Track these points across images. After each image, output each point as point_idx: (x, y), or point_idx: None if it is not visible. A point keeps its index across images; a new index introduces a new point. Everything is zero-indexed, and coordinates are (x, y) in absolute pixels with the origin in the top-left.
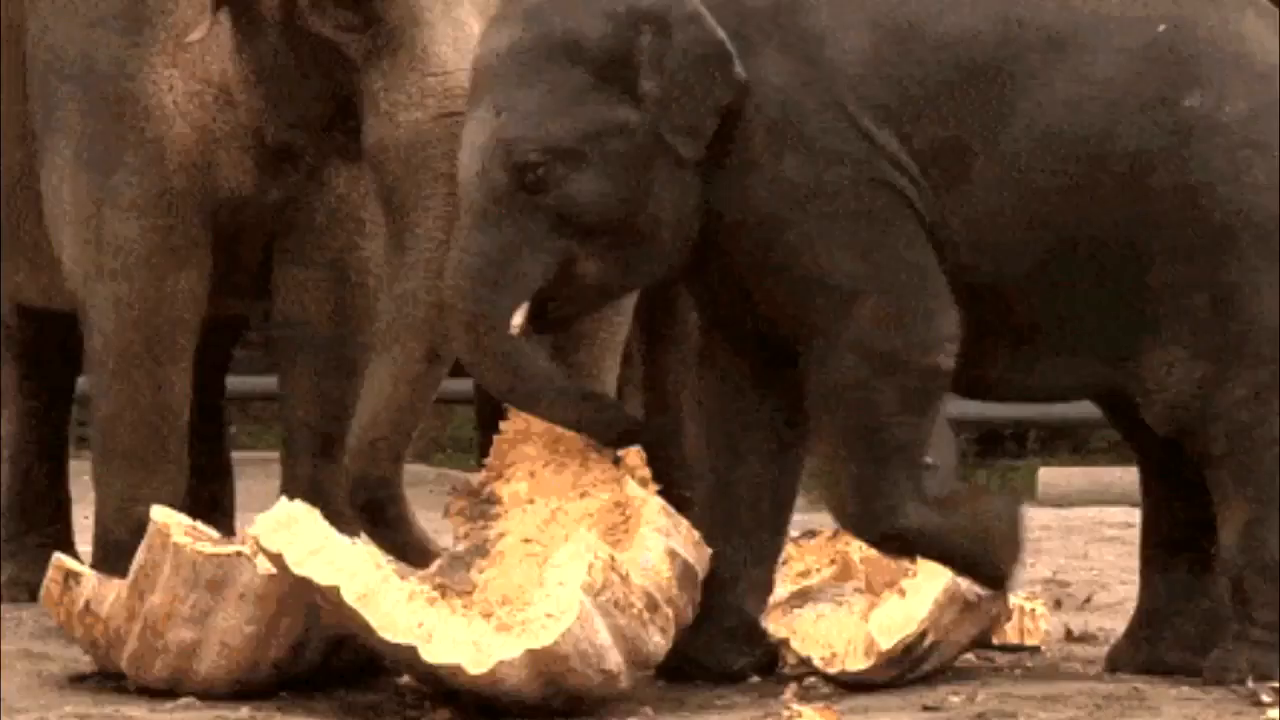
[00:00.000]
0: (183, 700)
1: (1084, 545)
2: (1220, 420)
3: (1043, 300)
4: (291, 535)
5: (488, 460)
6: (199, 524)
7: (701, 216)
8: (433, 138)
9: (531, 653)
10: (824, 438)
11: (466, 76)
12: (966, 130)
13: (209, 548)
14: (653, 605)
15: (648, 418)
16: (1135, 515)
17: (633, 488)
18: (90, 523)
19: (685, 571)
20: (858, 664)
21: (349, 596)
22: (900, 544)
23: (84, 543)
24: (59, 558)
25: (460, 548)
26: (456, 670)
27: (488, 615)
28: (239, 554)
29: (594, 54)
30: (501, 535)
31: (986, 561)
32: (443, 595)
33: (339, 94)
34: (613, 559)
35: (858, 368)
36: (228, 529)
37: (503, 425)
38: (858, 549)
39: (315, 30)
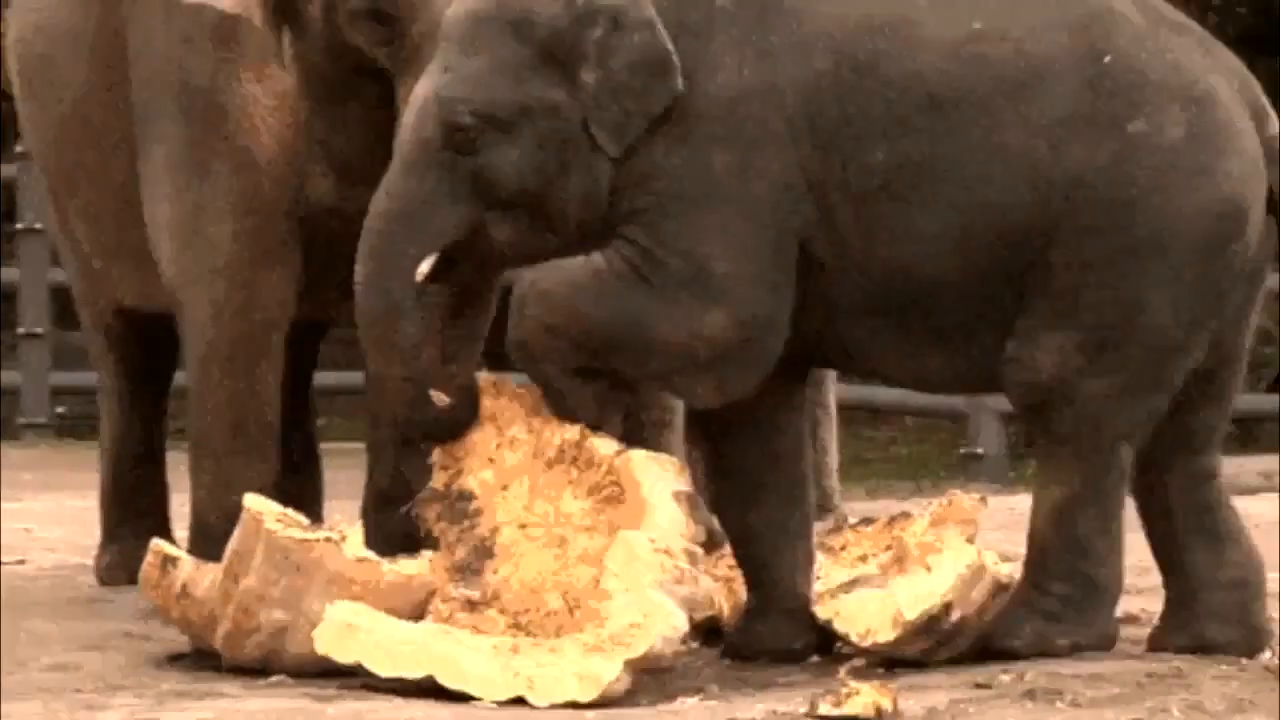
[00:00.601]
0: (274, 678)
1: (1128, 532)
2: (1075, 405)
3: (954, 304)
4: (358, 641)
5: (435, 460)
6: (289, 511)
7: (614, 192)
8: None
9: (629, 662)
10: None
11: None
12: (914, 157)
13: (299, 534)
14: (692, 557)
15: None
16: None
17: (602, 445)
18: (186, 511)
19: (692, 503)
20: (886, 636)
21: (447, 682)
22: None
23: (180, 529)
24: (157, 543)
25: (460, 554)
26: (572, 704)
27: (526, 611)
28: (327, 540)
29: (542, 35)
30: (495, 529)
31: None
32: (473, 609)
33: (384, 104)
34: (652, 541)
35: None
36: (316, 516)
37: None
38: (912, 535)
39: (353, 43)
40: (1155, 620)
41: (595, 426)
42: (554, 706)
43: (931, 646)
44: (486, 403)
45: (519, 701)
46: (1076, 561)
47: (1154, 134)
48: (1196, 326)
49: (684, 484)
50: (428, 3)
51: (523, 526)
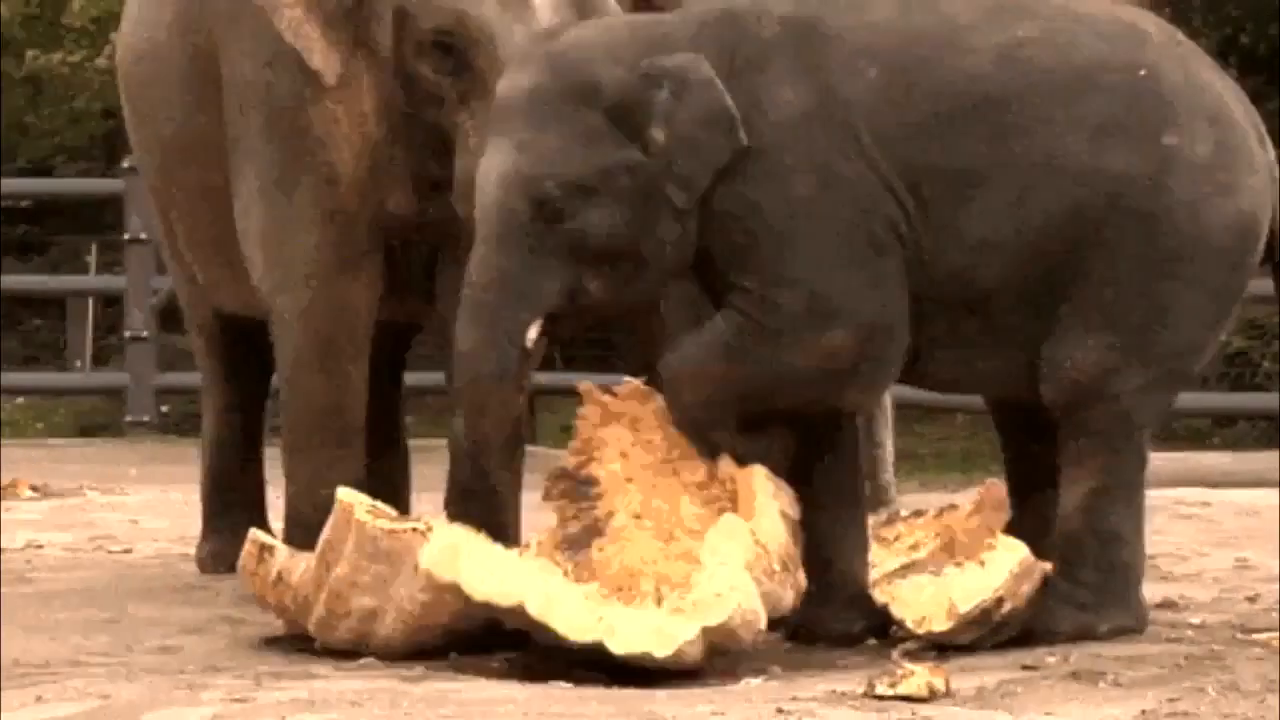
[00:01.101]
0: (364, 660)
1: (1165, 522)
2: (1108, 402)
3: (1002, 305)
4: (461, 562)
5: (573, 444)
6: (379, 503)
7: (701, 235)
8: None
9: (706, 629)
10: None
11: None
12: (970, 159)
13: (388, 524)
14: (785, 566)
15: None
16: (1211, 495)
17: (725, 462)
18: (281, 503)
19: (795, 530)
20: (941, 625)
21: (534, 611)
22: None
23: (275, 521)
24: (254, 534)
25: (573, 529)
26: (644, 657)
27: (619, 589)
28: (414, 530)
29: (610, 100)
30: (611, 514)
31: None
32: (576, 575)
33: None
34: (754, 532)
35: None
36: (404, 508)
37: (582, 410)
38: (958, 523)
39: (418, 73)
40: (1191, 606)
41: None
42: (629, 656)
43: (982, 635)
44: (633, 405)
45: (597, 649)
46: (1108, 550)
47: (1186, 148)
48: (1215, 330)
49: (793, 510)
50: (491, 36)
51: (637, 516)
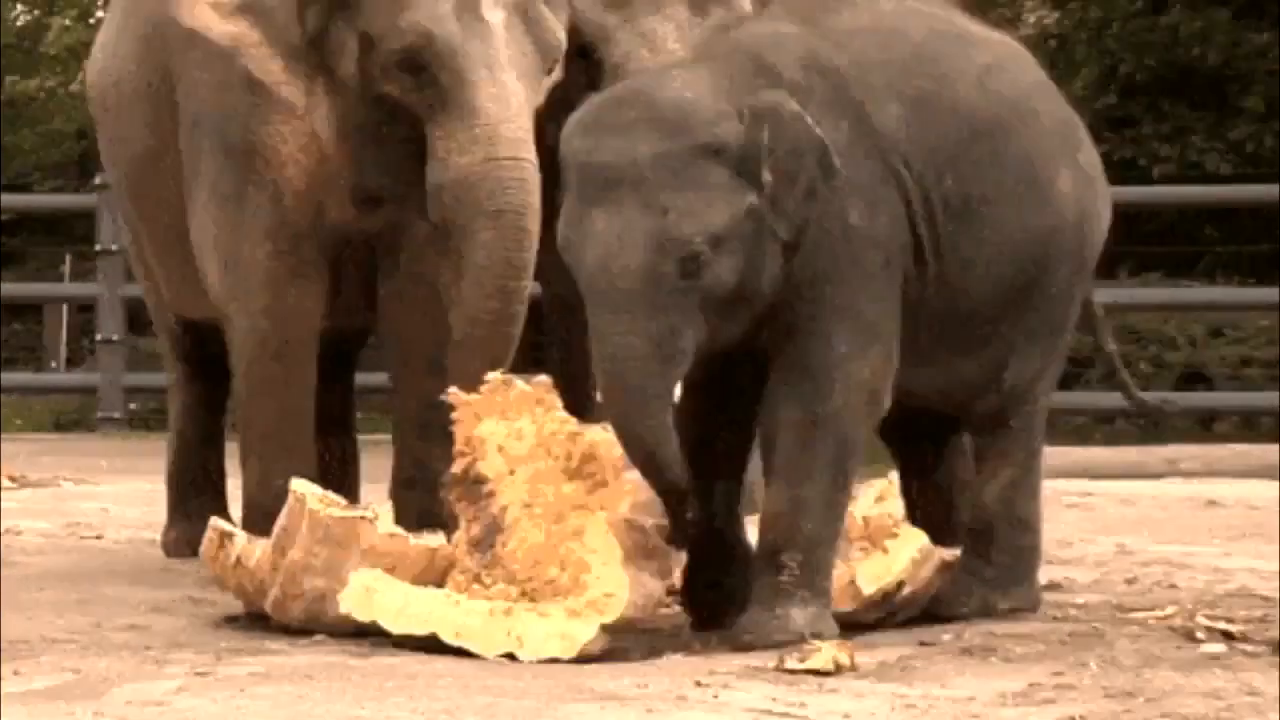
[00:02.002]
0: (316, 637)
1: (1051, 511)
2: (1028, 404)
3: (966, 320)
4: (375, 602)
5: (455, 448)
6: (330, 493)
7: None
8: (478, 179)
9: (604, 626)
10: (794, 446)
11: (508, 127)
12: (976, 184)
13: (338, 512)
14: (663, 531)
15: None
16: (1092, 486)
17: (593, 431)
18: (240, 493)
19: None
20: (846, 606)
21: (447, 639)
22: None
23: (235, 509)
24: (215, 521)
25: (476, 530)
26: (553, 660)
27: (529, 580)
28: (363, 518)
29: (734, 153)
30: (505, 508)
31: None
32: (484, 577)
33: (411, 143)
34: (627, 521)
35: (854, 404)
36: (354, 497)
37: (454, 414)
38: (864, 514)
39: (386, 92)
40: (1074, 587)
41: None
42: (541, 661)
43: (883, 616)
44: (497, 399)
45: (511, 656)
46: (1017, 536)
47: (1090, 165)
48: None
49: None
50: (454, 54)
51: (526, 505)
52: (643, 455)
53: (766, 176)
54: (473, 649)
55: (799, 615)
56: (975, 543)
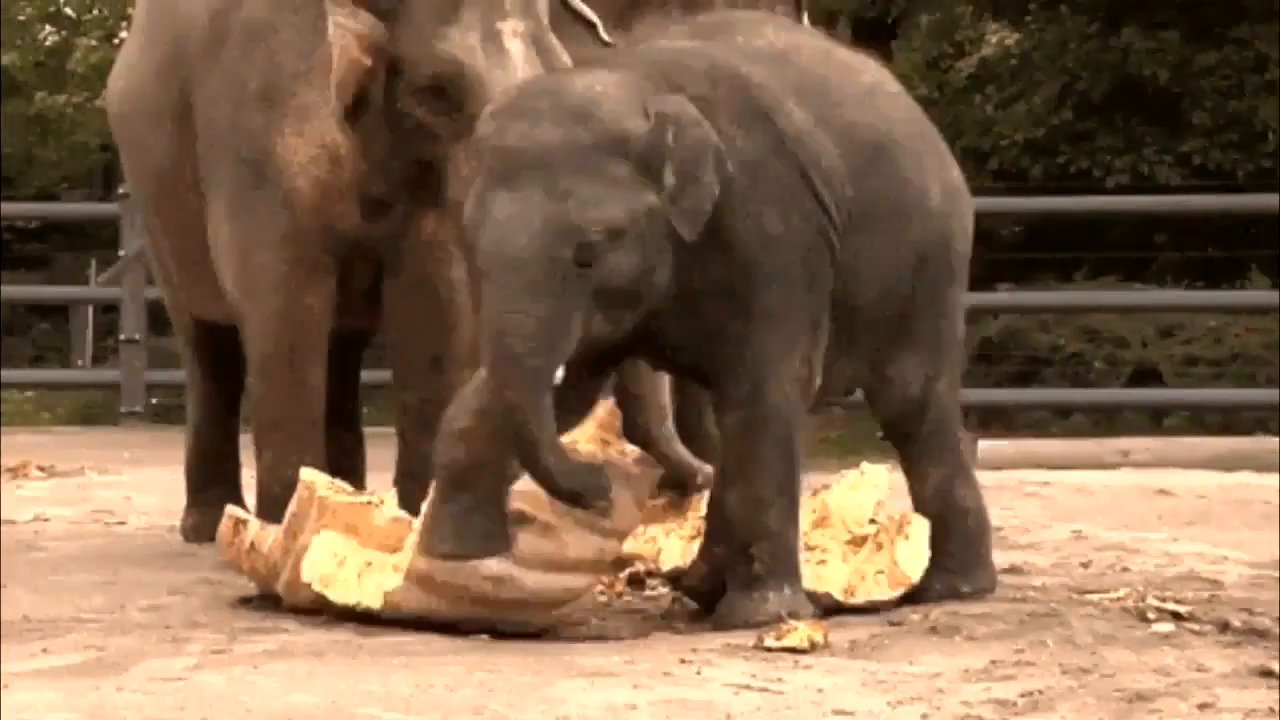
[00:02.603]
0: (325, 617)
1: (1011, 500)
2: (931, 408)
3: (863, 321)
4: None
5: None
6: (338, 481)
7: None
8: None
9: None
10: (745, 449)
11: None
12: (866, 198)
13: (346, 498)
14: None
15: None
16: (1050, 476)
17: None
18: (254, 482)
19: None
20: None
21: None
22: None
23: (250, 496)
24: (230, 509)
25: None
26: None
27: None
28: (368, 503)
29: (638, 150)
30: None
31: None
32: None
33: (424, 159)
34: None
35: (791, 397)
36: (360, 485)
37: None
38: (835, 503)
39: (411, 113)
40: (1033, 570)
41: None
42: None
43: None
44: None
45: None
46: (964, 524)
47: (957, 180)
48: None
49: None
50: (481, 83)
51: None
52: (517, 431)
53: (669, 178)
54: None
55: (774, 598)
56: (944, 546)
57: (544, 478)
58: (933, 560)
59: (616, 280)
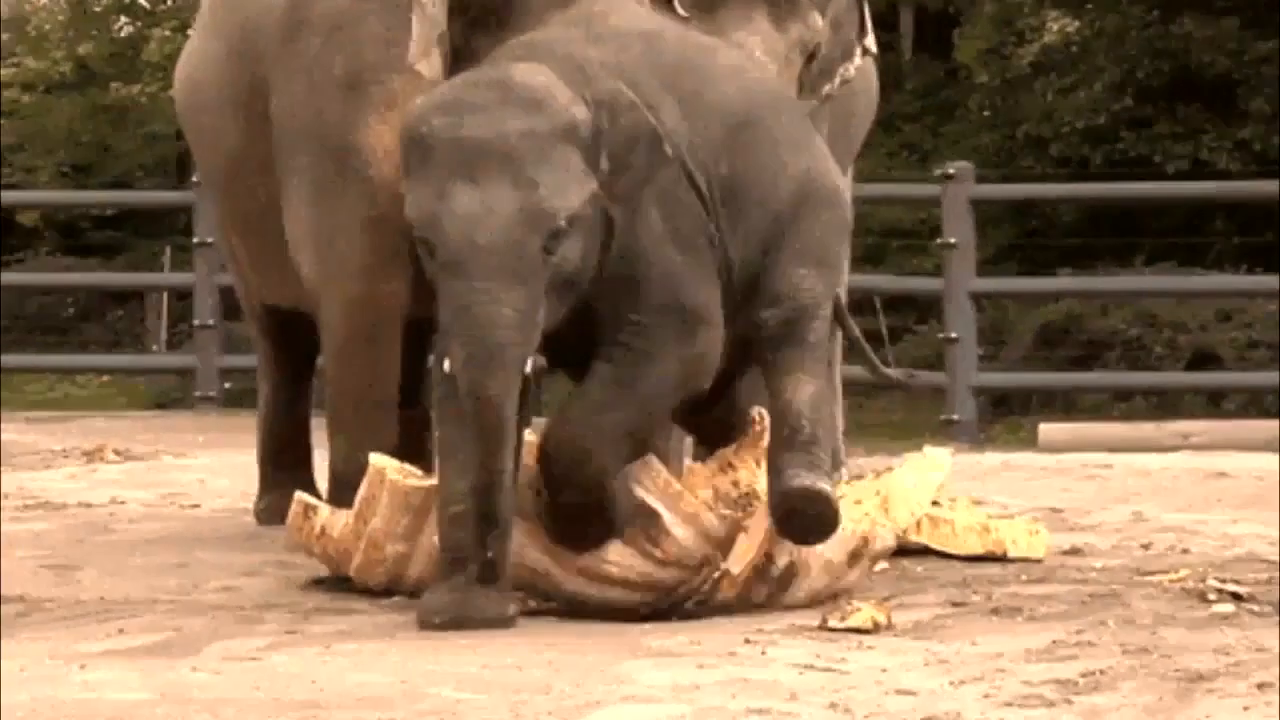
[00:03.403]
0: (396, 598)
1: (1072, 482)
2: (818, 322)
3: (744, 286)
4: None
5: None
6: (406, 465)
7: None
8: None
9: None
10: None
11: None
12: (739, 173)
13: (415, 482)
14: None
15: None
16: (1111, 459)
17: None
18: (326, 465)
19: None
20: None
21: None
22: None
23: (320, 480)
24: (299, 495)
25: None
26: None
27: None
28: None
29: (584, 137)
30: None
31: None
32: None
33: None
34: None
35: (684, 383)
36: (427, 466)
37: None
38: (896, 479)
39: None
40: (1094, 552)
41: None
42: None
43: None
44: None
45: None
46: (830, 438)
47: (821, 150)
48: None
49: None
50: None
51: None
52: (493, 421)
53: (604, 164)
54: None
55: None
56: (802, 446)
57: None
58: (802, 461)
59: (568, 267)
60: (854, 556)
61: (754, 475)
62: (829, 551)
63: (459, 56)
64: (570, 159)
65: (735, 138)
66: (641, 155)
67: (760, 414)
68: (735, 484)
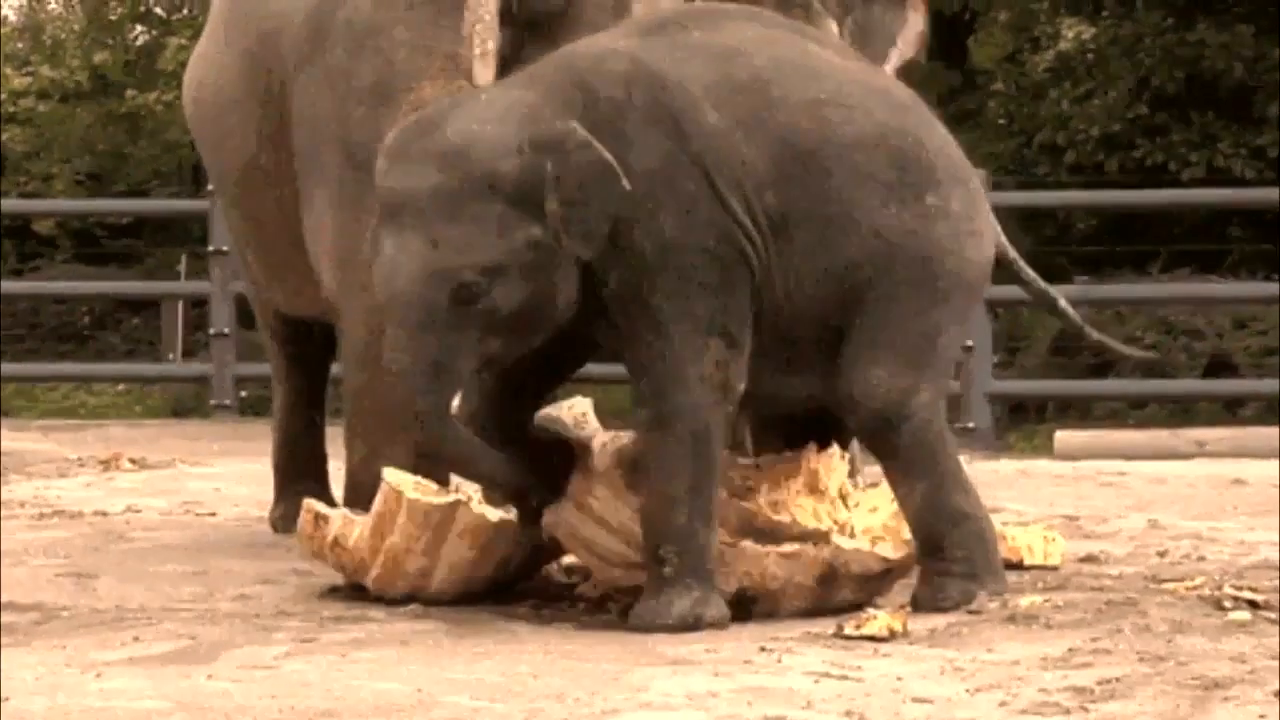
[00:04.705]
0: (413, 607)
1: (1088, 490)
2: (910, 420)
3: (808, 334)
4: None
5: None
6: (421, 479)
7: (587, 280)
8: None
9: None
10: (654, 446)
11: None
12: (793, 204)
13: (434, 499)
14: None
15: None
16: (1127, 466)
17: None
18: (339, 474)
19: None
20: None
21: None
22: None
23: (335, 488)
24: (308, 503)
25: None
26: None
27: None
28: (456, 501)
29: (509, 187)
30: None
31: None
32: None
33: None
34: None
35: (700, 398)
36: (444, 482)
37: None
38: None
39: None
40: (1110, 560)
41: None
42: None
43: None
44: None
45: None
46: (959, 530)
47: (944, 205)
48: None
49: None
50: None
51: None
52: (442, 455)
53: (552, 206)
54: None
55: (681, 602)
56: (927, 552)
57: (488, 478)
58: (939, 570)
59: (508, 309)
60: (825, 580)
61: (774, 511)
62: (798, 575)
63: (508, 64)
64: (488, 211)
65: (790, 168)
66: (597, 191)
67: (810, 461)
68: (755, 514)
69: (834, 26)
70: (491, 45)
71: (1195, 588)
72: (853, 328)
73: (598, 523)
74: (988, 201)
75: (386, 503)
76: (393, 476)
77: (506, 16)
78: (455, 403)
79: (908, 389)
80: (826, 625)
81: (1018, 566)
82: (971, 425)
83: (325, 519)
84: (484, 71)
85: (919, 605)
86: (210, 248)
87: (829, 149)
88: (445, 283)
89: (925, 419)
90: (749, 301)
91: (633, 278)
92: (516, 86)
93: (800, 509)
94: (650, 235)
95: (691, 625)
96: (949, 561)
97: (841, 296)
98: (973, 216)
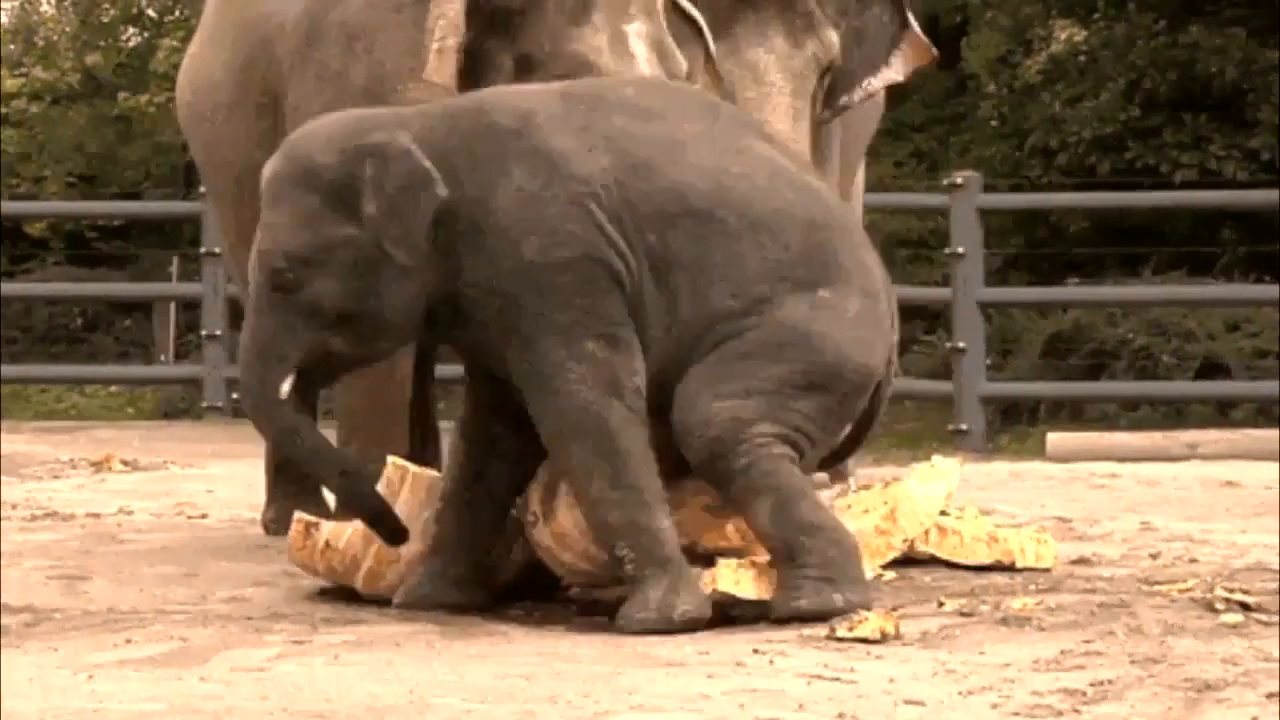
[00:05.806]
0: (404, 610)
1: (1080, 491)
2: (746, 443)
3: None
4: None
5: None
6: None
7: (441, 294)
8: None
9: None
10: (562, 458)
11: None
12: (674, 251)
13: (437, 474)
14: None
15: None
16: (1119, 468)
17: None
18: None
19: None
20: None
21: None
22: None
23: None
24: (298, 515)
25: None
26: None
27: None
28: None
29: (325, 183)
30: None
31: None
32: None
33: None
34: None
35: (584, 400)
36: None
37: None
38: (904, 496)
39: None
40: (1103, 562)
41: None
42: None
43: None
44: None
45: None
46: (813, 540)
47: (838, 303)
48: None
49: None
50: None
51: None
52: (271, 438)
53: (369, 209)
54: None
55: (653, 593)
56: (782, 559)
57: (311, 455)
58: (795, 572)
59: (331, 305)
60: None
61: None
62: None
63: (474, 63)
64: (304, 202)
65: (677, 219)
66: (413, 198)
67: None
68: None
69: (834, 35)
70: (451, 42)
71: (1188, 590)
72: (705, 364)
73: (573, 541)
74: (895, 331)
75: (389, 485)
76: (396, 460)
77: (474, 14)
78: (286, 386)
79: (748, 421)
80: (819, 627)
81: (1009, 568)
82: (964, 427)
83: (315, 526)
84: (441, 68)
85: (774, 611)
86: (202, 250)
87: (722, 213)
88: (264, 264)
89: (761, 445)
90: (623, 308)
91: (498, 302)
92: (427, 105)
93: None
94: (512, 258)
95: (668, 611)
96: (804, 566)
97: (713, 341)
98: (867, 325)
